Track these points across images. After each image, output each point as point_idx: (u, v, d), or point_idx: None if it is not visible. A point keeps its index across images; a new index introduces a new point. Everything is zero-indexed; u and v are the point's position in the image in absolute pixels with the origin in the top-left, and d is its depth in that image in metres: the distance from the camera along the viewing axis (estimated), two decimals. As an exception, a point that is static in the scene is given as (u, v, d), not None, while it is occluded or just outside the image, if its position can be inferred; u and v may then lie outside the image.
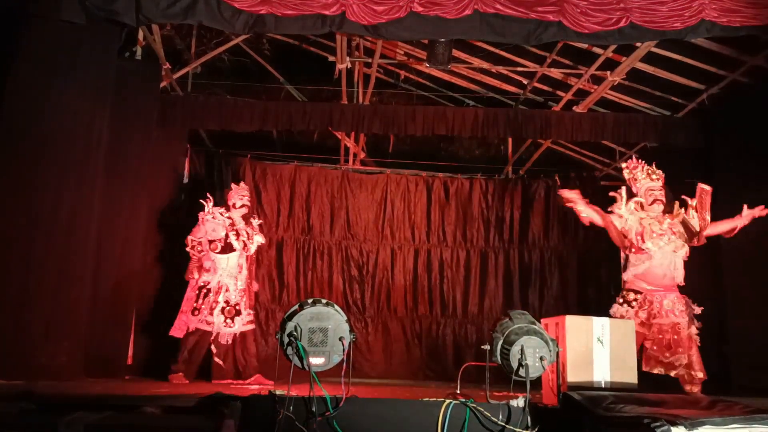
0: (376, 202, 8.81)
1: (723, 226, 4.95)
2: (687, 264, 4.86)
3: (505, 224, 8.85)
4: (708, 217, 4.85)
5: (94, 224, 5.23)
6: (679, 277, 4.76)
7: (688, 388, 4.58)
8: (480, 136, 8.00)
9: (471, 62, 7.64)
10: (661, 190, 4.90)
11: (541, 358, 3.09)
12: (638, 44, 6.01)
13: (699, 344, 4.74)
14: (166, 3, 4.36)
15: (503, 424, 2.96)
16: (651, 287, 4.71)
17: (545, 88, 7.99)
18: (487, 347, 3.30)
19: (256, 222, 6.08)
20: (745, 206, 4.85)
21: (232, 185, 6.16)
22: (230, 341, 5.61)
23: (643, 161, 5.08)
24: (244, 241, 5.79)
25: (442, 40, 5.70)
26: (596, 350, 3.57)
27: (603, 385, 3.52)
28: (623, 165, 5.23)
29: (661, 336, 4.57)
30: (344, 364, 3.20)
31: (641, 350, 4.55)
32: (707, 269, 6.75)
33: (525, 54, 7.35)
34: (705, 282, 6.55)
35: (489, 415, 2.96)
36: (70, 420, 2.35)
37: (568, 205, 4.93)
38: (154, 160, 6.56)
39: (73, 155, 5.06)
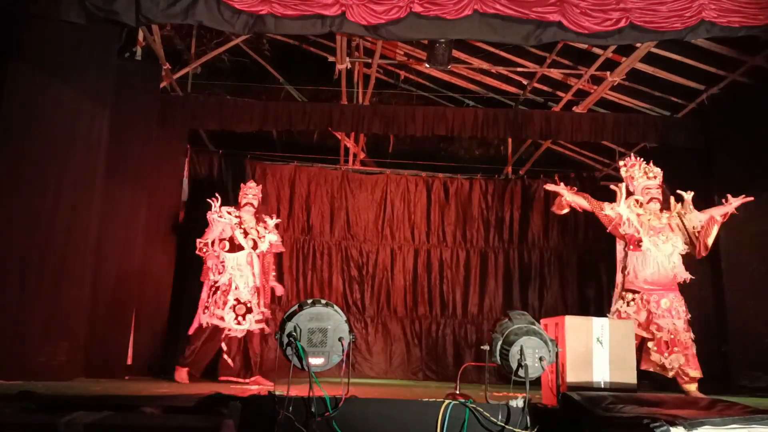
0: (376, 202, 8.81)
1: (716, 212, 4.96)
2: (686, 264, 4.85)
3: (505, 224, 8.86)
4: (710, 243, 4.85)
5: (94, 224, 5.23)
6: (679, 275, 4.75)
7: (685, 387, 4.58)
8: (480, 136, 8.01)
9: (471, 62, 7.65)
10: (658, 188, 4.90)
11: (541, 359, 3.09)
12: (638, 44, 6.01)
13: (695, 342, 4.73)
14: (166, 3, 4.35)
15: (503, 424, 2.96)
16: (649, 286, 4.70)
17: (545, 88, 7.99)
18: (486, 347, 3.30)
19: (272, 221, 6.01)
20: (729, 195, 4.85)
21: (242, 184, 6.14)
22: (241, 339, 5.58)
23: (642, 159, 5.07)
24: (254, 239, 5.76)
25: (442, 40, 5.70)
26: (596, 350, 3.57)
27: (602, 386, 3.52)
28: (621, 163, 5.24)
29: (660, 335, 4.57)
30: (344, 365, 3.20)
31: (640, 350, 4.55)
32: (707, 269, 6.76)
33: (525, 54, 7.35)
34: (705, 282, 6.56)
35: (488, 415, 2.96)
36: (70, 420, 2.35)
37: (552, 189, 4.94)
38: (154, 160, 6.56)
39: (73, 155, 5.07)
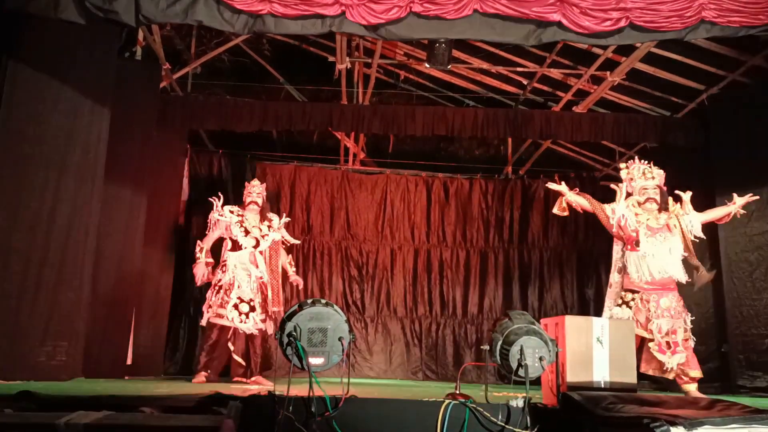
0: (376, 202, 8.82)
1: (717, 213, 4.96)
2: (686, 264, 4.85)
3: (505, 224, 8.86)
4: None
5: (94, 224, 5.22)
6: (677, 275, 4.74)
7: (685, 387, 4.58)
8: (480, 136, 8.01)
9: (471, 62, 7.65)
10: (655, 188, 4.89)
11: (541, 359, 3.09)
12: (638, 44, 6.01)
13: (695, 342, 4.73)
14: (166, 3, 4.35)
15: (503, 424, 2.96)
16: (648, 286, 4.70)
17: (545, 88, 7.99)
18: (486, 347, 3.29)
19: (278, 220, 5.92)
20: (734, 194, 4.86)
21: (246, 183, 6.11)
22: (245, 338, 5.55)
23: (643, 161, 5.07)
24: (256, 238, 5.73)
25: (442, 40, 5.70)
26: (596, 350, 3.56)
27: (602, 386, 3.52)
28: (621, 165, 5.24)
29: (660, 336, 4.57)
30: (344, 365, 3.20)
31: (640, 351, 4.54)
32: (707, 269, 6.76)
33: (525, 54, 7.35)
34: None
35: (488, 415, 2.95)
36: (70, 420, 2.35)
37: (553, 188, 4.94)
38: (154, 160, 6.57)
39: (73, 155, 5.06)
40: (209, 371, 5.50)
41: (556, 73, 7.59)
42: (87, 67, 5.18)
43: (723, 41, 5.93)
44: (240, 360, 5.54)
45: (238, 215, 5.76)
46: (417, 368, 8.37)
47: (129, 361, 6.23)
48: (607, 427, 2.71)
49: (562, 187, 4.91)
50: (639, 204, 4.89)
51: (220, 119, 7.24)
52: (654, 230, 4.78)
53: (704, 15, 4.39)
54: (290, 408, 2.82)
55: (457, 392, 3.24)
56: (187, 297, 7.75)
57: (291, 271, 6.03)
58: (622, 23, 4.44)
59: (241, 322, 5.46)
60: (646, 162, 5.03)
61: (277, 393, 2.92)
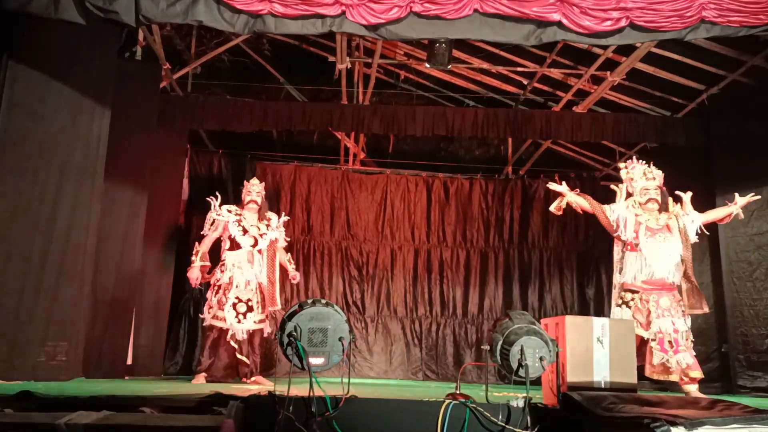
0: (376, 202, 8.82)
1: (718, 213, 4.95)
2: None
3: (505, 224, 8.86)
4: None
5: (94, 224, 5.22)
6: (676, 277, 4.74)
7: (686, 388, 4.57)
8: (480, 136, 8.01)
9: (471, 62, 7.65)
10: (656, 189, 4.89)
11: (541, 359, 3.09)
12: (638, 44, 6.01)
13: (694, 342, 4.73)
14: (166, 3, 4.35)
15: (503, 424, 2.96)
16: (648, 286, 4.70)
17: (545, 88, 7.99)
18: (486, 347, 3.29)
19: (277, 219, 5.91)
20: (736, 194, 4.86)
21: (245, 182, 6.11)
22: (245, 338, 5.54)
23: (643, 161, 5.07)
24: (254, 237, 5.72)
25: (442, 40, 5.70)
26: (596, 350, 3.56)
27: (603, 386, 3.52)
28: (621, 165, 5.24)
29: (661, 335, 4.57)
30: (344, 365, 3.19)
31: (640, 351, 4.53)
32: (707, 270, 6.77)
33: (525, 54, 7.35)
34: (705, 282, 6.56)
35: (489, 415, 2.95)
36: (70, 420, 2.35)
37: (555, 189, 4.94)
38: (154, 160, 6.57)
39: (73, 155, 5.06)
40: (209, 372, 5.49)
41: (556, 73, 7.59)
42: (87, 67, 5.18)
43: (723, 41, 5.93)
44: (245, 360, 5.53)
45: (236, 214, 5.75)
46: (417, 368, 8.37)
47: (129, 361, 6.23)
48: (608, 427, 2.71)
49: (563, 188, 4.91)
50: (640, 204, 4.88)
51: (220, 119, 7.24)
52: (654, 231, 4.78)
53: (704, 15, 4.39)
54: (290, 408, 2.82)
55: (458, 392, 3.24)
56: (187, 297, 7.76)
57: (290, 267, 6.01)
58: (623, 23, 4.44)
59: (238, 322, 5.46)
60: (646, 162, 5.03)
61: (277, 393, 2.92)
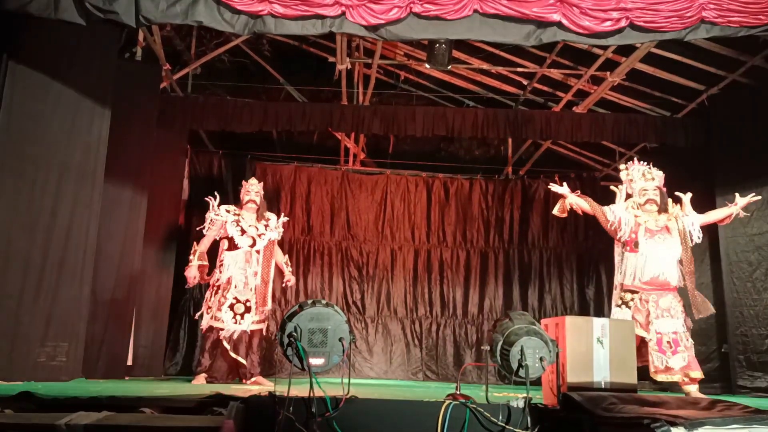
0: (376, 202, 8.82)
1: (718, 214, 4.95)
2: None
3: (505, 224, 8.87)
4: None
5: (94, 224, 5.22)
6: (675, 277, 4.73)
7: (686, 388, 4.57)
8: (480, 136, 8.01)
9: (471, 63, 7.65)
10: (655, 190, 4.88)
11: (541, 359, 3.09)
12: (638, 44, 6.01)
13: (694, 342, 4.73)
14: (166, 4, 4.35)
15: (503, 424, 2.96)
16: (648, 287, 4.70)
17: (545, 88, 7.99)
18: (487, 348, 3.29)
19: (276, 219, 5.89)
20: (736, 195, 4.85)
21: (243, 182, 6.10)
22: (242, 338, 5.53)
23: (643, 162, 5.08)
24: (252, 237, 5.71)
25: (442, 40, 5.70)
26: (596, 351, 3.56)
27: (603, 386, 3.52)
28: (621, 166, 5.24)
29: (661, 336, 4.57)
30: (344, 365, 3.19)
31: (640, 352, 4.53)
32: (707, 270, 6.77)
33: (525, 54, 7.35)
34: (705, 282, 6.56)
35: (489, 415, 2.95)
36: (70, 420, 2.35)
37: (555, 190, 4.94)
38: (154, 161, 6.57)
39: (73, 155, 5.07)
40: (209, 373, 5.49)
41: (556, 74, 7.59)
42: (87, 67, 5.18)
43: (723, 41, 5.93)
44: (243, 360, 5.52)
45: (235, 214, 5.74)
46: (417, 369, 8.37)
47: (129, 362, 6.24)
48: (608, 428, 2.71)
49: (564, 189, 4.90)
50: (639, 206, 4.88)
51: (220, 119, 7.24)
52: (653, 232, 4.77)
53: (704, 15, 4.39)
54: (290, 408, 2.82)
55: (458, 393, 3.24)
56: (187, 297, 7.76)
57: (287, 270, 6.00)
58: (623, 23, 4.44)
59: (235, 323, 5.45)
60: (646, 163, 5.03)
61: (277, 393, 2.92)
